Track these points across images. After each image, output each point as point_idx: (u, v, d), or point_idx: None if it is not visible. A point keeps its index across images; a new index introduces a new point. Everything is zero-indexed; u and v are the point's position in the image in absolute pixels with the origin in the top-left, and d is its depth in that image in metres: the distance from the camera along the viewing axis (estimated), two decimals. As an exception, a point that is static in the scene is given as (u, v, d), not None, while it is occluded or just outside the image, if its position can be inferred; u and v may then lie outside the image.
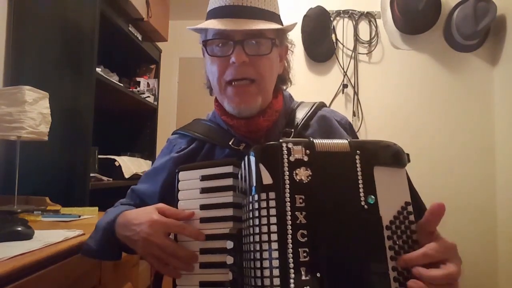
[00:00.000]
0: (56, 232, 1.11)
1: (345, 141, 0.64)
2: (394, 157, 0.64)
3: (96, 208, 1.54)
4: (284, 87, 0.96)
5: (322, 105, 0.95)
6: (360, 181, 0.62)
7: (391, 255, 0.59)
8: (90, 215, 1.47)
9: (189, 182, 0.74)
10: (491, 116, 2.16)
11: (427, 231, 0.60)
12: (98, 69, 1.81)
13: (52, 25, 1.75)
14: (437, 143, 2.19)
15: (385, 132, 2.20)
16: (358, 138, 0.96)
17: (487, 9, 1.98)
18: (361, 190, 0.61)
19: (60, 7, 1.75)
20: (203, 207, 0.71)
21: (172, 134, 0.98)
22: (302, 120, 0.88)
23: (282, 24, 0.86)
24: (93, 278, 1.13)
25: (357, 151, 0.63)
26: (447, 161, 2.17)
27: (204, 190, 0.72)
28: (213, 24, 0.79)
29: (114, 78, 2.09)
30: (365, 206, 0.61)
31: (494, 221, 2.10)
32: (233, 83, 0.81)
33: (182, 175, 0.75)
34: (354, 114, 2.23)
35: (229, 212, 0.69)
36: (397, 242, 0.59)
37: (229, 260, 0.66)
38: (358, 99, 2.25)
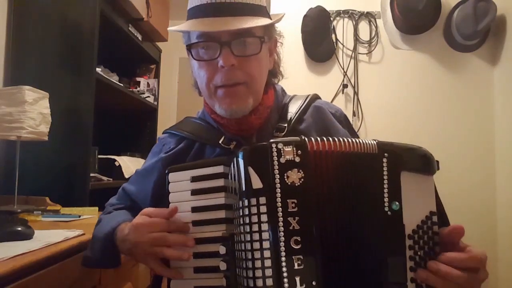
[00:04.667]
0: (56, 232, 1.11)
1: (372, 142, 0.61)
2: (424, 163, 0.61)
3: (96, 208, 1.54)
4: (276, 81, 0.91)
5: (315, 97, 0.92)
6: (386, 186, 0.59)
7: (411, 266, 0.57)
8: (90, 215, 1.47)
9: (180, 184, 0.71)
10: (491, 116, 2.16)
11: (449, 242, 0.59)
12: (98, 69, 1.81)
13: (52, 25, 1.75)
14: (437, 143, 2.18)
15: (385, 132, 2.20)
16: (354, 130, 0.94)
17: (487, 9, 1.98)
18: (385, 195, 0.58)
19: (60, 7, 1.75)
20: (194, 209, 0.69)
21: (163, 133, 0.95)
22: (296, 114, 0.84)
23: (269, 16, 0.80)
24: (93, 278, 1.13)
25: (385, 154, 0.59)
26: (447, 161, 2.16)
27: (195, 192, 0.69)
28: (196, 26, 0.73)
29: (114, 78, 2.09)
30: (389, 212, 0.58)
31: (494, 221, 2.10)
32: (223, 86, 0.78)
33: (172, 176, 0.72)
34: (354, 114, 2.23)
35: (221, 214, 0.66)
36: (418, 253, 0.57)
37: (222, 266, 0.64)
38: (358, 99, 2.25)
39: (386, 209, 0.58)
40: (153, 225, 0.69)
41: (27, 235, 1.01)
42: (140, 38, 2.32)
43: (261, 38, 0.76)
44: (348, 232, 0.58)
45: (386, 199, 0.58)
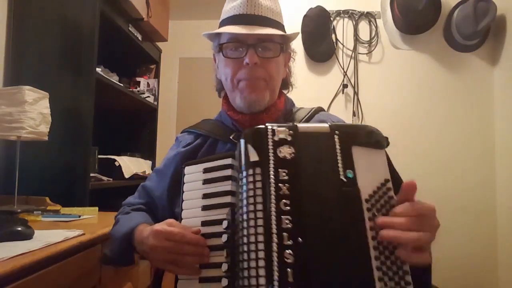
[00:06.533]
0: (56, 232, 1.11)
1: (326, 124, 0.72)
2: (372, 139, 0.71)
3: (96, 208, 1.54)
4: (286, 91, 1.04)
5: (320, 109, 1.02)
6: (339, 158, 0.68)
7: (371, 226, 0.64)
8: (90, 215, 1.47)
9: (193, 175, 0.81)
10: (491, 116, 2.16)
11: (405, 201, 0.65)
12: (98, 69, 1.81)
13: (52, 25, 1.75)
14: (437, 143, 2.18)
15: (385, 132, 2.18)
16: None
17: (487, 9, 1.98)
18: (340, 165, 0.68)
19: (60, 7, 1.75)
20: (205, 196, 0.78)
21: (181, 132, 1.06)
22: (301, 121, 0.95)
23: (286, 33, 0.95)
24: (93, 278, 1.14)
25: (336, 132, 0.70)
26: (447, 161, 2.17)
27: (206, 181, 0.78)
28: (230, 29, 0.89)
29: (114, 78, 2.09)
30: (344, 179, 0.67)
31: (494, 221, 2.10)
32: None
33: (187, 169, 0.82)
34: (354, 114, 2.24)
35: (227, 199, 0.74)
36: (376, 214, 0.64)
37: (224, 237, 0.71)
38: (358, 99, 2.25)
39: (342, 177, 0.67)
40: (172, 233, 0.74)
41: (27, 235, 1.01)
42: (140, 38, 2.32)
43: (280, 45, 0.92)
44: (316, 198, 0.66)
45: (341, 169, 0.67)
